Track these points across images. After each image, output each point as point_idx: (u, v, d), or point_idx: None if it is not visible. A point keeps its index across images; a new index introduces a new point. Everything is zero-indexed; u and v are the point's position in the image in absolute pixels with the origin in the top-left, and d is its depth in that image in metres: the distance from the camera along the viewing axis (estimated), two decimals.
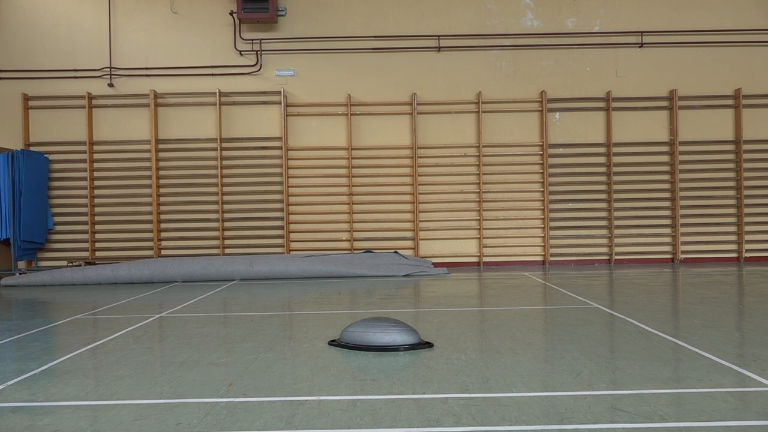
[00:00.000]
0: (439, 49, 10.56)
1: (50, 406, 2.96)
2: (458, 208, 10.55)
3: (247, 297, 7.00)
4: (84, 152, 10.39)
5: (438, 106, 10.55)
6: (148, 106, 10.44)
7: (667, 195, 10.61)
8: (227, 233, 10.44)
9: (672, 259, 10.60)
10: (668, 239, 10.62)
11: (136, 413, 2.84)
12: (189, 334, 4.74)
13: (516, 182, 10.56)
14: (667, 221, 10.61)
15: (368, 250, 10.14)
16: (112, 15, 10.49)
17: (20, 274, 9.12)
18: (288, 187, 10.43)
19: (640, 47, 10.64)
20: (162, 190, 10.47)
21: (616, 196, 10.53)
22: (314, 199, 10.43)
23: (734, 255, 10.62)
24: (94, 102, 10.47)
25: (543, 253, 10.56)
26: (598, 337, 4.37)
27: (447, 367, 3.57)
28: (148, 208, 10.40)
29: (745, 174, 10.53)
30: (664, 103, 10.64)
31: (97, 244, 10.43)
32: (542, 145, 10.51)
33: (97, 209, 10.44)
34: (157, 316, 5.73)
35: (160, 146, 10.45)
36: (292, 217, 10.50)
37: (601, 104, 10.62)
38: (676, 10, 10.64)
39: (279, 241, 10.47)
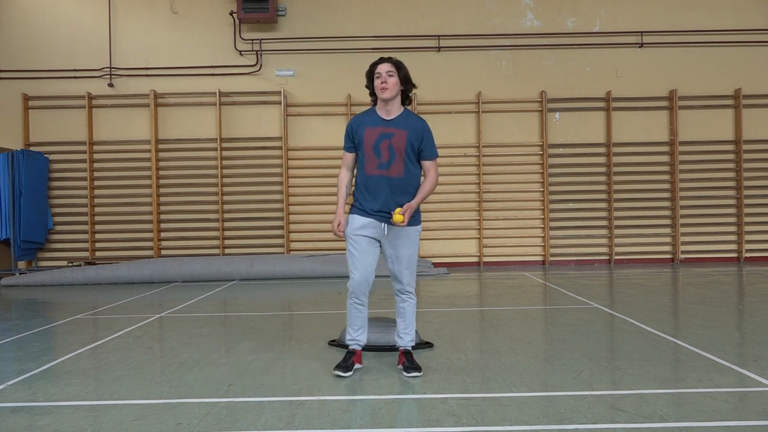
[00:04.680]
0: (439, 49, 10.56)
1: (50, 406, 2.97)
2: (458, 208, 10.55)
3: (247, 297, 7.00)
4: (84, 152, 10.38)
5: (438, 106, 10.55)
6: (148, 106, 10.44)
7: (667, 195, 10.61)
8: (227, 233, 10.44)
9: (672, 259, 10.60)
10: (668, 239, 10.62)
11: (136, 413, 2.84)
12: (189, 334, 4.74)
13: (516, 182, 10.55)
14: (667, 221, 10.61)
15: None
16: (112, 15, 10.49)
17: (20, 274, 9.12)
18: (288, 187, 10.43)
19: (640, 47, 10.64)
20: (162, 190, 10.47)
21: (616, 196, 10.52)
22: (314, 199, 10.42)
23: (734, 255, 10.61)
24: (94, 102, 10.47)
25: (543, 253, 10.56)
26: (598, 337, 4.37)
27: (447, 367, 3.57)
28: (148, 208, 10.39)
29: (745, 174, 10.52)
30: (664, 103, 10.63)
31: (97, 244, 10.43)
32: (542, 145, 10.51)
33: (97, 209, 10.44)
34: (157, 316, 5.73)
35: (160, 146, 10.45)
36: (292, 217, 10.50)
37: (601, 104, 10.62)
38: (676, 10, 10.64)
39: (279, 241, 10.47)
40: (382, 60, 3.43)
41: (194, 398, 3.06)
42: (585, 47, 10.64)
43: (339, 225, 3.44)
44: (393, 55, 3.78)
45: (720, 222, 10.61)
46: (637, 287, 7.17)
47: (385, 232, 3.40)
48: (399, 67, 3.40)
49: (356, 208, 3.46)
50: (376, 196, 3.37)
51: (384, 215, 3.37)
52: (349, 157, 3.53)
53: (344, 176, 3.55)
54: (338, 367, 3.47)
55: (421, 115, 10.32)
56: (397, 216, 3.24)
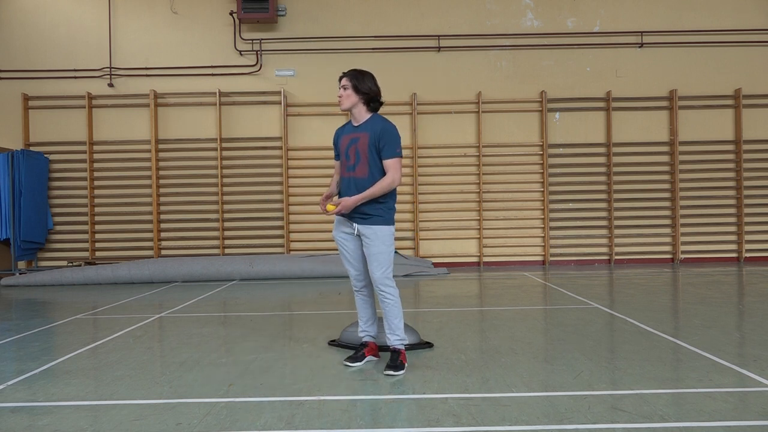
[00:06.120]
0: (439, 49, 10.56)
1: (50, 406, 2.97)
2: (458, 208, 10.55)
3: (247, 297, 7.00)
4: (84, 152, 10.38)
5: (438, 106, 10.55)
6: (148, 106, 10.44)
7: (667, 195, 10.60)
8: (227, 233, 10.44)
9: (672, 259, 10.60)
10: (668, 239, 10.62)
11: (136, 413, 2.84)
12: (189, 334, 4.74)
13: (516, 182, 10.55)
14: (667, 221, 10.61)
15: None
16: (112, 15, 10.49)
17: (20, 274, 9.12)
18: (288, 187, 10.43)
19: (640, 47, 10.64)
20: (162, 190, 10.47)
21: (616, 196, 10.52)
22: (314, 199, 10.42)
23: (734, 255, 10.61)
24: (94, 102, 10.47)
25: (543, 253, 10.56)
26: (598, 337, 4.37)
27: (447, 367, 3.57)
28: (148, 208, 10.40)
29: (745, 174, 10.52)
30: (664, 103, 10.63)
31: (97, 244, 10.43)
32: (542, 145, 10.51)
33: (97, 209, 10.44)
34: (157, 316, 5.73)
35: (160, 146, 10.45)
36: (292, 217, 10.50)
37: (601, 104, 10.62)
38: (676, 10, 10.64)
39: (279, 241, 10.47)
40: (343, 74, 3.66)
41: (194, 398, 3.06)
42: (585, 47, 10.64)
43: (323, 202, 3.74)
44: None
45: (720, 222, 10.61)
46: (637, 287, 7.17)
47: (355, 232, 3.62)
48: (351, 78, 3.61)
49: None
50: (346, 196, 3.62)
51: (355, 215, 3.60)
52: (338, 164, 3.82)
53: (336, 177, 3.89)
54: (348, 358, 3.73)
55: (422, 115, 10.48)
56: (329, 206, 3.56)
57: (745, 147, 10.52)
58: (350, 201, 3.50)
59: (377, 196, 3.54)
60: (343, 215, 3.66)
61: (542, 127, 10.52)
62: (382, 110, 3.85)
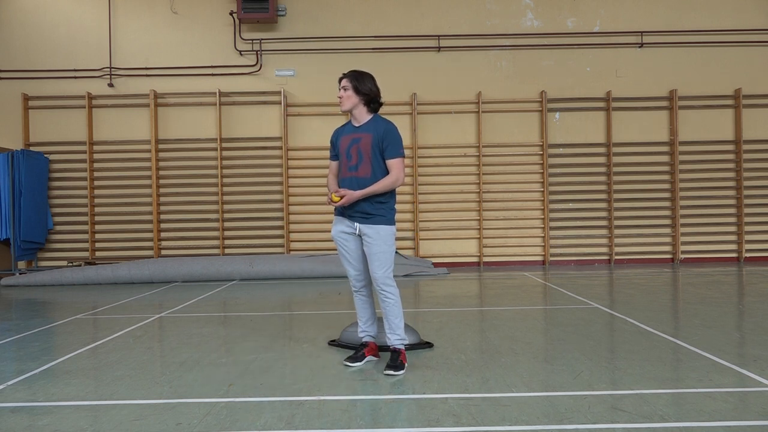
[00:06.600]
0: (439, 49, 10.56)
1: (50, 406, 2.97)
2: (458, 208, 10.55)
3: (247, 297, 7.00)
4: (84, 152, 10.38)
5: (438, 106, 10.55)
6: (148, 106, 10.44)
7: (667, 195, 10.60)
8: (227, 233, 10.44)
9: (672, 259, 10.60)
10: (668, 239, 10.62)
11: (136, 413, 2.84)
12: (189, 334, 4.74)
13: (516, 182, 10.55)
14: (667, 221, 10.61)
15: None
16: (112, 15, 10.49)
17: (20, 274, 9.12)
18: (288, 187, 10.43)
19: (640, 47, 10.64)
20: (162, 190, 10.47)
21: (616, 196, 10.52)
22: (314, 199, 10.42)
23: (734, 255, 10.61)
24: (94, 102, 10.47)
25: (543, 253, 10.56)
26: (598, 337, 4.37)
27: (447, 367, 3.57)
28: (148, 208, 10.39)
29: (745, 174, 10.52)
30: (664, 103, 10.63)
31: (97, 244, 10.43)
32: (542, 145, 10.50)
33: (97, 209, 10.44)
34: (157, 316, 5.73)
35: (160, 146, 10.45)
36: (292, 217, 10.50)
37: (601, 104, 10.62)
38: (676, 10, 10.64)
39: (279, 241, 10.47)
40: (343, 75, 3.69)
41: (194, 398, 3.06)
42: (585, 47, 10.64)
43: (332, 194, 3.62)
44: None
45: (720, 222, 10.60)
46: (637, 287, 7.17)
47: (357, 231, 3.62)
48: (351, 79, 3.64)
49: (337, 210, 3.74)
50: None
51: (356, 215, 3.61)
52: (334, 165, 3.85)
53: (331, 179, 3.87)
54: (348, 358, 3.74)
55: (422, 115, 10.48)
56: (334, 197, 3.55)
57: (745, 147, 10.52)
58: (355, 194, 3.52)
59: (380, 193, 3.57)
60: (343, 215, 3.67)
61: (542, 127, 10.52)
62: (382, 110, 3.85)
